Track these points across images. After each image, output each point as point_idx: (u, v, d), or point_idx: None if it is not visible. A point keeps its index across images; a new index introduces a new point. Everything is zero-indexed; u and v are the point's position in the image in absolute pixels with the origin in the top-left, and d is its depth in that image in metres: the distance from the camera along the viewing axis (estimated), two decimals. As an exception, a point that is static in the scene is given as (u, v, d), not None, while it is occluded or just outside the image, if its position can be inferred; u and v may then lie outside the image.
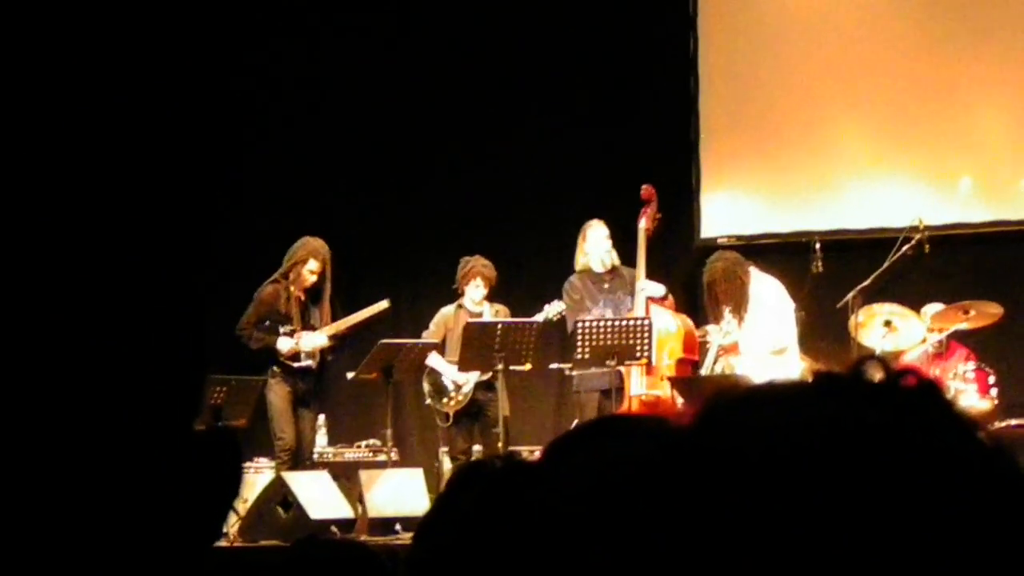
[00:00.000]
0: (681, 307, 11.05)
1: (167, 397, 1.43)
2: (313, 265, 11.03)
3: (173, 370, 1.45)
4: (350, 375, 11.26)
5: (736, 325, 10.42)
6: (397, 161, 13.51)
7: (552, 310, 10.99)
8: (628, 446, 1.06)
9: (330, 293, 11.16)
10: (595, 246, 11.01)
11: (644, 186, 11.19)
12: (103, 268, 1.42)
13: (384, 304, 11.17)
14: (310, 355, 11.01)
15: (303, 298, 11.11)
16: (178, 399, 1.45)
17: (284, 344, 10.96)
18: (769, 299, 10.53)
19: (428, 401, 11.42)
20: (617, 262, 11.00)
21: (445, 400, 11.27)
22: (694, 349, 10.72)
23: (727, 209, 13.09)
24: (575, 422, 10.23)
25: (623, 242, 11.07)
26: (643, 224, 10.99)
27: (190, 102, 13.03)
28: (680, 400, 10.30)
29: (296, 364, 10.98)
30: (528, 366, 10.90)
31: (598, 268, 11.00)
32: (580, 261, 11.10)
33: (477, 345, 10.70)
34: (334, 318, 11.12)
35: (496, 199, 13.19)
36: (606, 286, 11.00)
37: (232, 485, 1.45)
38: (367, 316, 11.17)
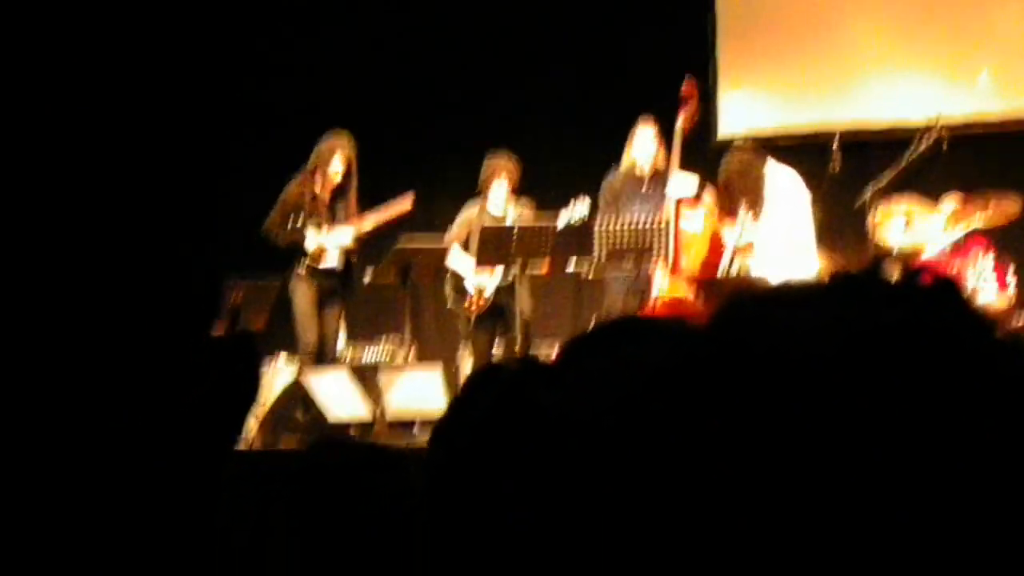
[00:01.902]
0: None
1: (185, 303, 1.43)
2: (338, 159, 10.98)
3: (190, 277, 1.45)
4: (368, 278, 11.26)
5: (752, 223, 10.38)
6: (422, 55, 13.45)
7: (575, 214, 10.92)
8: (643, 348, 1.05)
9: (356, 190, 11.11)
10: (641, 148, 10.94)
11: (685, 82, 11.06)
12: (120, 182, 1.42)
13: (408, 203, 11.10)
14: (335, 253, 10.99)
15: (329, 195, 11.07)
16: (196, 305, 1.44)
17: (310, 241, 10.93)
18: (785, 190, 10.48)
19: (450, 304, 11.41)
20: (662, 166, 10.90)
21: (467, 303, 11.26)
22: (720, 252, 10.69)
23: (744, 108, 13.04)
24: (593, 322, 10.24)
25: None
26: (680, 123, 10.90)
27: None
28: (700, 301, 10.30)
29: (322, 262, 10.96)
30: (545, 269, 10.89)
31: (641, 171, 10.93)
32: (625, 160, 11.04)
33: (493, 248, 10.69)
34: (360, 217, 11.07)
35: (517, 95, 13.14)
36: (645, 189, 10.92)
37: (250, 390, 1.45)
38: (392, 214, 11.11)
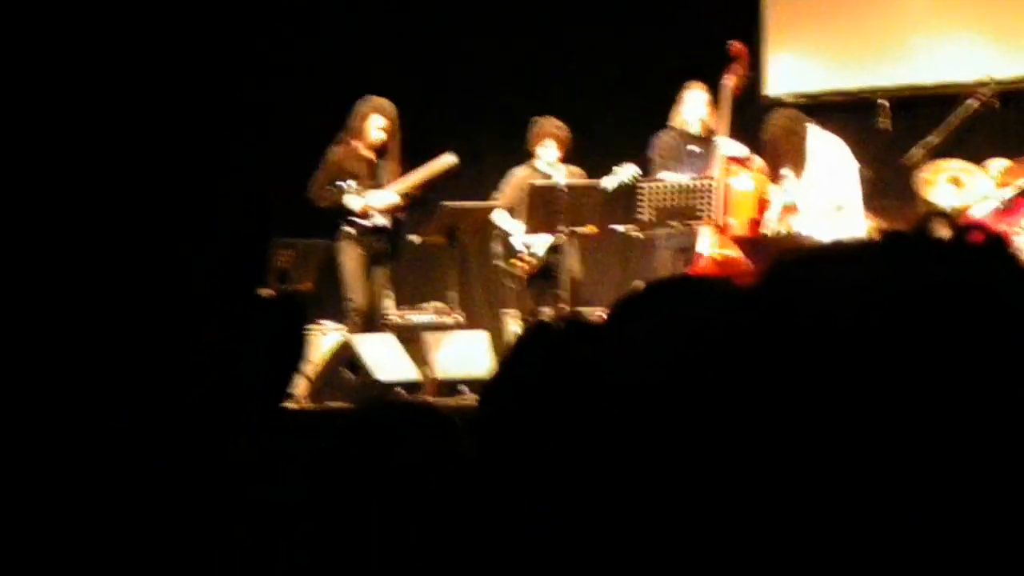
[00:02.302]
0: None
1: (231, 264, 1.44)
2: (379, 121, 10.99)
3: (236, 237, 1.46)
4: (414, 238, 11.26)
5: (795, 183, 10.37)
6: (465, 19, 13.43)
7: (625, 173, 10.89)
8: (691, 308, 1.05)
9: (398, 154, 11.11)
10: (691, 110, 10.93)
11: (734, 43, 11.05)
12: (166, 149, 1.43)
13: (451, 158, 11.08)
14: (382, 213, 10.99)
15: (373, 157, 11.07)
16: (242, 266, 1.46)
17: (354, 202, 10.93)
18: (827, 155, 10.45)
19: (499, 263, 11.39)
20: (714, 128, 10.89)
21: (517, 262, 11.25)
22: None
23: (792, 67, 12.96)
24: (641, 283, 10.22)
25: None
26: (730, 82, 10.89)
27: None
28: (748, 260, 10.28)
29: (368, 222, 10.96)
30: (593, 229, 10.87)
31: (692, 130, 10.92)
32: (675, 119, 11.02)
33: (542, 207, 10.67)
34: (403, 176, 11.08)
35: (567, 59, 13.11)
36: (695, 148, 10.91)
37: (295, 349, 1.46)
38: (435, 172, 11.09)
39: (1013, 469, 0.90)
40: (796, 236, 10.23)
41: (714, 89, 10.91)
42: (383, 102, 11.03)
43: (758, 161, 10.77)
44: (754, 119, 11.82)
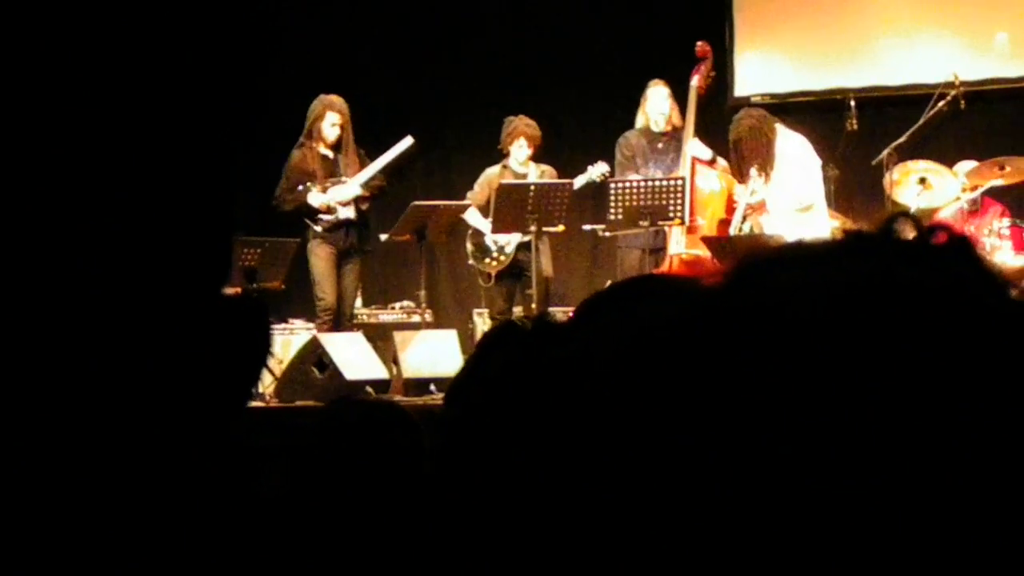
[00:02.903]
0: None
1: (194, 263, 1.43)
2: (333, 118, 11.04)
3: (200, 236, 1.45)
4: (383, 236, 11.27)
5: (762, 183, 10.40)
6: (437, 20, 13.43)
7: (596, 171, 10.96)
8: (657, 306, 1.05)
9: (353, 145, 11.15)
10: (655, 108, 10.98)
11: (699, 43, 11.11)
12: (125, 135, 1.42)
13: (408, 141, 11.09)
14: (345, 205, 11.00)
15: (331, 155, 11.11)
16: (205, 265, 1.45)
17: (316, 198, 10.95)
18: (795, 155, 10.50)
19: (471, 261, 11.41)
20: (678, 123, 10.95)
21: (488, 260, 11.27)
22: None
23: (761, 68, 13.00)
24: (609, 282, 10.25)
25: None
26: (695, 82, 10.95)
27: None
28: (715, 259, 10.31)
29: (334, 217, 10.97)
30: (561, 227, 10.89)
31: (657, 128, 10.97)
32: (639, 120, 11.08)
33: (509, 206, 10.69)
34: (364, 169, 11.10)
35: (538, 58, 13.12)
36: (660, 146, 10.97)
37: (260, 351, 1.45)
38: (393, 157, 11.11)
39: (980, 470, 0.90)
40: (763, 236, 10.27)
41: (681, 88, 10.94)
42: (332, 98, 11.08)
43: (722, 163, 10.83)
44: (723, 119, 11.87)
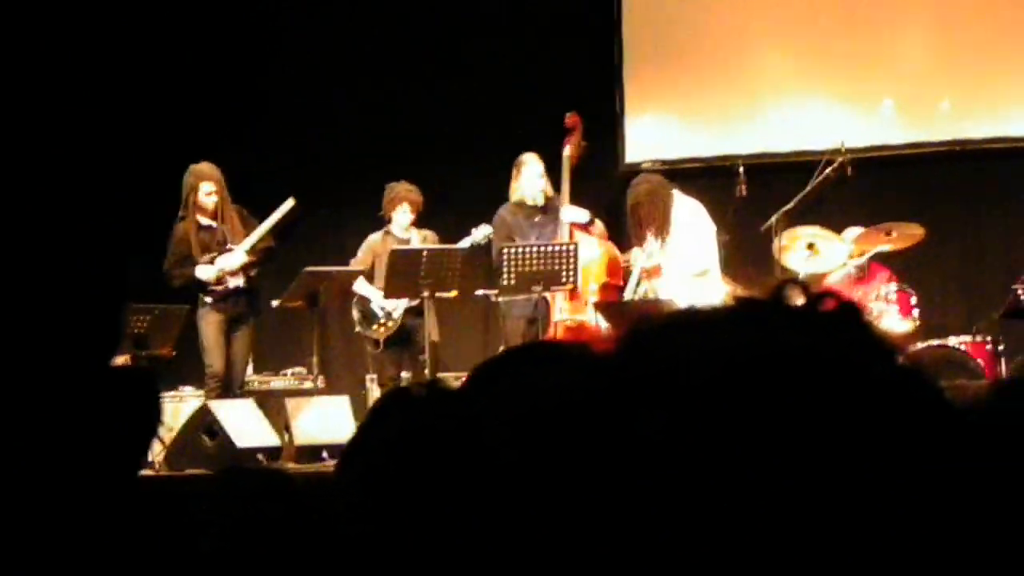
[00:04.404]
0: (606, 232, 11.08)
1: (83, 334, 1.42)
2: (207, 187, 10.98)
3: (89, 307, 1.44)
4: (275, 302, 11.21)
5: (659, 248, 10.47)
6: (319, 87, 13.42)
7: (480, 234, 10.98)
8: (551, 373, 1.06)
9: (232, 210, 11.09)
10: (528, 182, 11.00)
11: (568, 114, 11.22)
12: (15, 207, 1.41)
13: (290, 202, 11.04)
14: (234, 275, 10.95)
15: (212, 223, 11.05)
16: (94, 336, 1.43)
17: (204, 272, 10.89)
18: (691, 221, 10.59)
19: (358, 328, 11.38)
20: (551, 195, 11.00)
21: (375, 327, 11.24)
22: (618, 274, 10.77)
23: (651, 134, 13.10)
24: (501, 347, 10.25)
25: (549, 169, 11.08)
26: (568, 152, 11.03)
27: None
28: (605, 325, 10.34)
29: (223, 288, 10.91)
30: (454, 293, 10.89)
31: (532, 201, 11.00)
32: (514, 193, 11.10)
33: (402, 272, 10.68)
34: (248, 233, 11.05)
35: (420, 124, 13.14)
36: (537, 219, 11.01)
37: (149, 421, 1.44)
38: (277, 219, 11.06)
39: (869, 526, 0.91)
40: (656, 301, 10.32)
41: (555, 158, 11.04)
42: (202, 168, 11.04)
43: (599, 226, 10.91)
44: (613, 186, 11.95)
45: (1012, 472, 1.03)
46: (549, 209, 10.98)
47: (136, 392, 1.40)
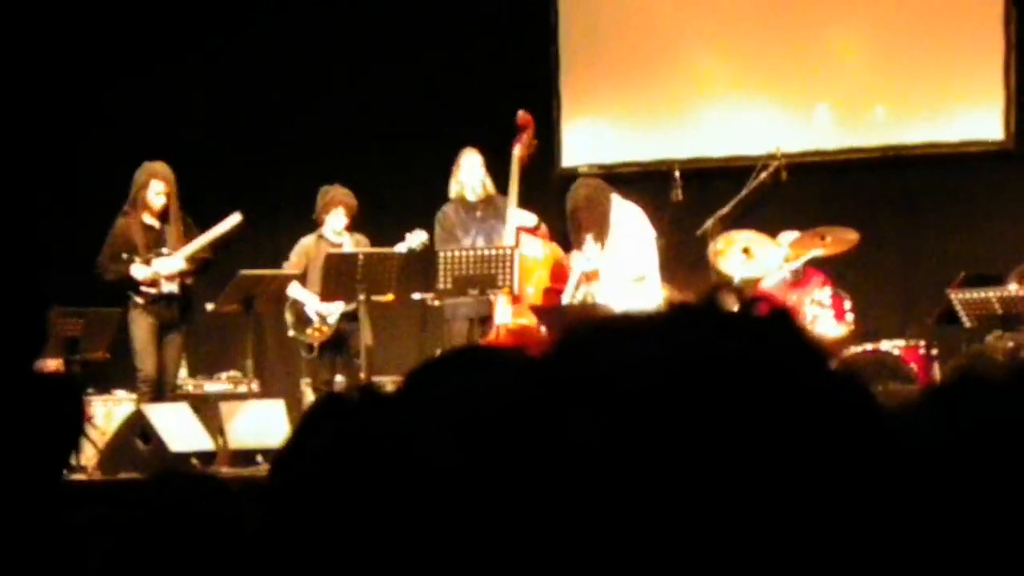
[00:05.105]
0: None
1: (4, 339, 1.41)
2: (157, 186, 10.91)
3: (8, 313, 1.43)
4: (210, 306, 11.16)
5: (598, 252, 10.49)
6: (254, 90, 13.38)
7: (415, 240, 10.97)
8: (485, 377, 1.05)
9: (179, 214, 11.03)
10: (468, 175, 10.99)
11: (520, 112, 11.16)
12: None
13: (236, 217, 11.01)
14: (169, 279, 10.89)
15: (156, 225, 10.99)
16: (15, 342, 1.42)
17: (139, 271, 10.82)
18: (629, 226, 10.61)
19: (291, 332, 11.35)
20: (492, 191, 10.99)
21: (309, 331, 11.22)
22: (563, 278, 10.76)
23: (588, 138, 13.13)
24: (438, 351, 10.24)
25: (496, 170, 11.07)
26: (517, 152, 10.98)
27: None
28: (543, 329, 10.35)
29: (156, 291, 10.85)
30: (391, 296, 10.87)
31: (471, 197, 10.99)
32: (454, 189, 11.08)
33: (338, 276, 10.66)
34: (189, 240, 10.99)
35: (355, 127, 13.13)
36: (479, 214, 10.99)
37: (72, 426, 1.43)
38: (220, 233, 11.02)
39: (796, 531, 0.91)
40: (593, 305, 10.34)
41: (505, 157, 11.00)
42: (158, 166, 10.96)
43: (544, 230, 10.92)
44: (550, 189, 11.97)
45: (937, 477, 1.04)
46: (492, 205, 10.95)
47: (60, 397, 1.38)
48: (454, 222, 11.00)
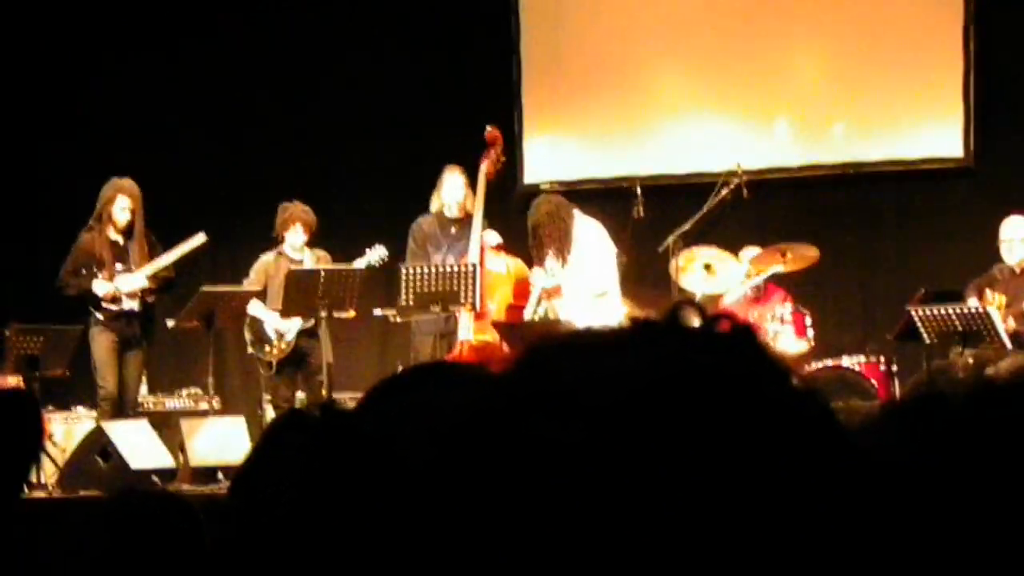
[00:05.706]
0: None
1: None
2: (123, 202, 10.89)
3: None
4: (170, 322, 11.12)
5: (559, 268, 10.51)
6: (215, 106, 13.36)
7: (374, 256, 10.97)
8: (444, 393, 1.05)
9: (143, 231, 11.00)
10: (449, 193, 10.99)
11: (489, 128, 11.15)
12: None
13: (200, 237, 10.99)
14: (131, 297, 10.85)
15: (121, 241, 10.96)
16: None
17: (101, 287, 10.79)
18: (591, 242, 10.63)
19: (250, 350, 11.32)
20: (471, 211, 10.97)
21: (268, 348, 11.19)
22: (526, 295, 10.77)
23: (549, 154, 13.15)
24: (399, 367, 10.23)
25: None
26: (484, 167, 10.97)
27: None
28: (506, 345, 10.36)
29: (117, 307, 10.82)
30: (352, 313, 10.85)
31: (450, 213, 10.99)
32: (434, 204, 11.09)
33: (299, 292, 10.64)
34: (152, 258, 10.96)
35: (314, 143, 13.12)
36: (453, 231, 10.99)
37: (31, 443, 1.42)
38: (184, 252, 11.00)
39: (761, 546, 0.91)
40: (555, 321, 10.35)
41: (473, 173, 11.00)
42: (125, 182, 10.95)
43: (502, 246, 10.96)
44: (512, 205, 11.97)
45: (898, 492, 1.04)
46: (467, 224, 10.95)
47: (18, 414, 1.38)
48: (427, 236, 11.00)
